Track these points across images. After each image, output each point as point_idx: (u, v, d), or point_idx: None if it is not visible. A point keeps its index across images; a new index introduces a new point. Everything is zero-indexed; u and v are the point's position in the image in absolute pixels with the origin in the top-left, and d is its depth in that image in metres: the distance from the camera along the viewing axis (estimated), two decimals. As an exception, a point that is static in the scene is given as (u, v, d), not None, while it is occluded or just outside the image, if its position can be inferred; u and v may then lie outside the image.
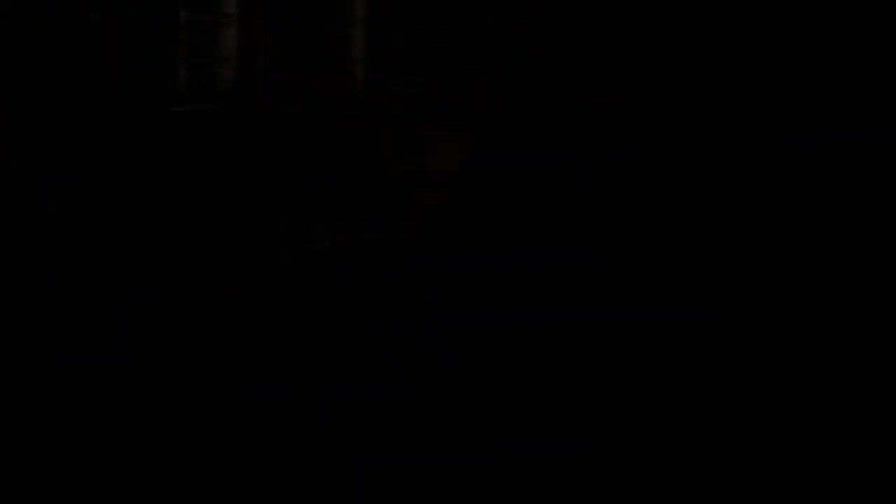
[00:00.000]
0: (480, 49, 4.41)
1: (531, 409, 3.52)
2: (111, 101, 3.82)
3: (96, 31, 3.74)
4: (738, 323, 4.93)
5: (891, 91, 4.37)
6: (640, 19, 4.38)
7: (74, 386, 3.49)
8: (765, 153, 4.42)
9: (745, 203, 4.27)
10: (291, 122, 4.22)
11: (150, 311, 4.49)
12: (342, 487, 2.65)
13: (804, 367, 4.17)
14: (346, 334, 4.58)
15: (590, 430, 3.27)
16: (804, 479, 2.89)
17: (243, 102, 4.15)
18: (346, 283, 4.00)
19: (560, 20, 4.43)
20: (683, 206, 4.31)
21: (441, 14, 4.38)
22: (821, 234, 4.25)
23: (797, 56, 4.41)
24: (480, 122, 4.39)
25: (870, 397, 3.69)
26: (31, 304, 4.29)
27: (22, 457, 2.77)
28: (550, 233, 4.47)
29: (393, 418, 3.27)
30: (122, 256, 3.95)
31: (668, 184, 4.35)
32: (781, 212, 4.24)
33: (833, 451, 3.15)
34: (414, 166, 4.27)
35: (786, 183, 4.28)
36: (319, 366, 3.99)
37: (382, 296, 3.98)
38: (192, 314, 4.52)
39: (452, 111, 4.40)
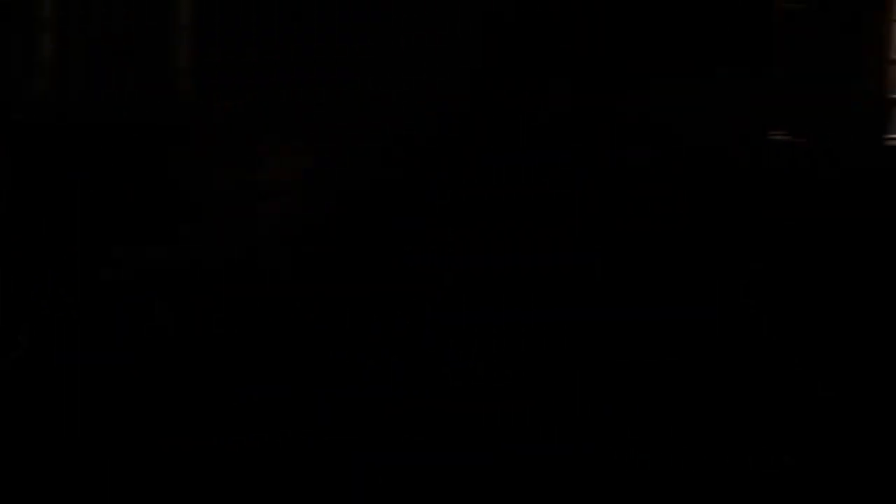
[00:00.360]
0: (315, 61, 4.36)
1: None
2: None
3: None
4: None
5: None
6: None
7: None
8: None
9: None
10: (112, 133, 4.11)
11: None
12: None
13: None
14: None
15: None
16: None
17: (59, 112, 4.07)
18: (168, 295, 4.01)
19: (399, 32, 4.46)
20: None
21: (273, 24, 4.31)
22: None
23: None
24: (318, 135, 4.36)
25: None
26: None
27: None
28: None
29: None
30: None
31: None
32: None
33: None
34: (246, 179, 4.23)
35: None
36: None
37: (213, 309, 3.99)
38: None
39: (286, 123, 4.35)
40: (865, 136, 6.48)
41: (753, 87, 5.71)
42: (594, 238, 4.61)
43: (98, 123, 4.08)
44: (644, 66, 4.99)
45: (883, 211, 6.26)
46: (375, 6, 4.48)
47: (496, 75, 4.52)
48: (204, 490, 2.57)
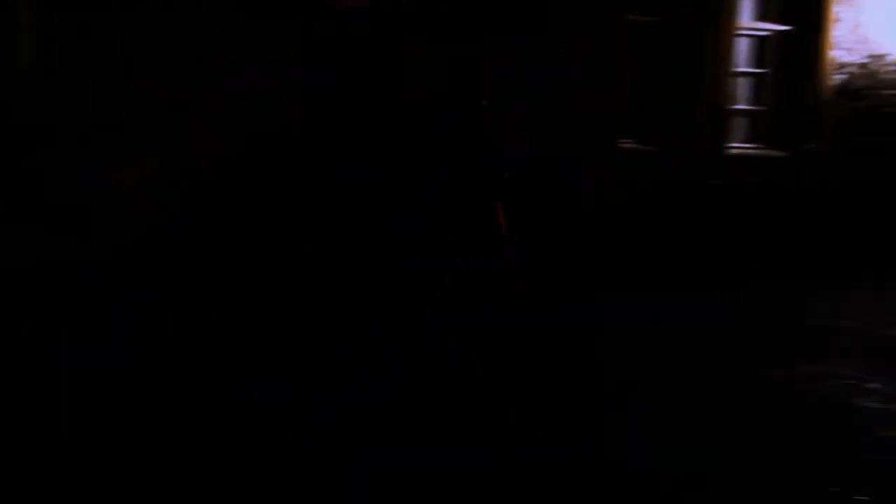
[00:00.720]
0: (164, 63, 4.35)
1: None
2: None
3: None
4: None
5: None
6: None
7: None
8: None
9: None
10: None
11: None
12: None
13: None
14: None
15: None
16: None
17: None
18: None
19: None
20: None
21: (122, 25, 4.26)
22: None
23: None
24: (167, 140, 4.36)
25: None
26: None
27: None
28: None
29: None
30: None
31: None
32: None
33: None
34: (93, 182, 4.18)
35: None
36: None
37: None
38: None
39: (136, 127, 4.31)
40: (708, 145, 6.80)
41: (604, 98, 5.94)
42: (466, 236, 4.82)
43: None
44: (502, 78, 5.26)
45: (724, 211, 6.60)
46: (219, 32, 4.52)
47: (317, 111, 4.74)
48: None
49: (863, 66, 7.34)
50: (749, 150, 7.18)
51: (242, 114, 4.55)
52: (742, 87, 7.27)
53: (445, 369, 4.04)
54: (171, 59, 4.38)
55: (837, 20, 7.19)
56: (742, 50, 7.19)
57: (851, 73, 7.31)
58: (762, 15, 7.24)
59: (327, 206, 4.75)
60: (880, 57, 7.38)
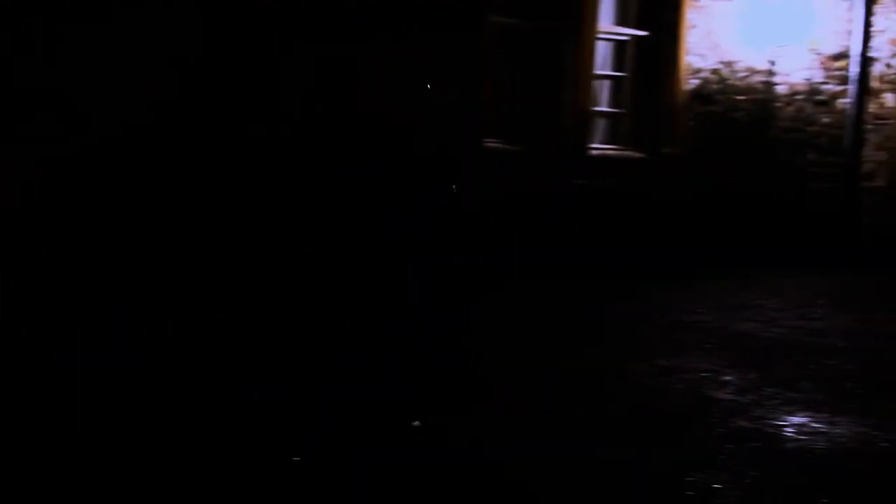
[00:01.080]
0: (39, 60, 4.37)
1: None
2: None
3: None
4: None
5: None
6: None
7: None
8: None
9: None
10: None
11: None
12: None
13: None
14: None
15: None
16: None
17: None
18: None
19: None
20: None
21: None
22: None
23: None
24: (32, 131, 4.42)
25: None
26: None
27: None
28: None
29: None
30: None
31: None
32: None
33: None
34: None
35: None
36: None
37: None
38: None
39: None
40: (572, 145, 6.92)
41: (471, 98, 6.04)
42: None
43: None
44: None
45: (588, 209, 6.78)
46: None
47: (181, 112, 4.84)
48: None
49: (715, 71, 7.59)
50: (610, 152, 7.36)
51: (115, 105, 4.60)
52: (604, 90, 7.45)
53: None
54: (45, 53, 4.42)
55: (692, 27, 7.43)
56: (603, 54, 7.37)
57: (705, 79, 7.52)
58: (621, 20, 7.41)
59: (204, 193, 4.87)
60: (731, 63, 7.62)
